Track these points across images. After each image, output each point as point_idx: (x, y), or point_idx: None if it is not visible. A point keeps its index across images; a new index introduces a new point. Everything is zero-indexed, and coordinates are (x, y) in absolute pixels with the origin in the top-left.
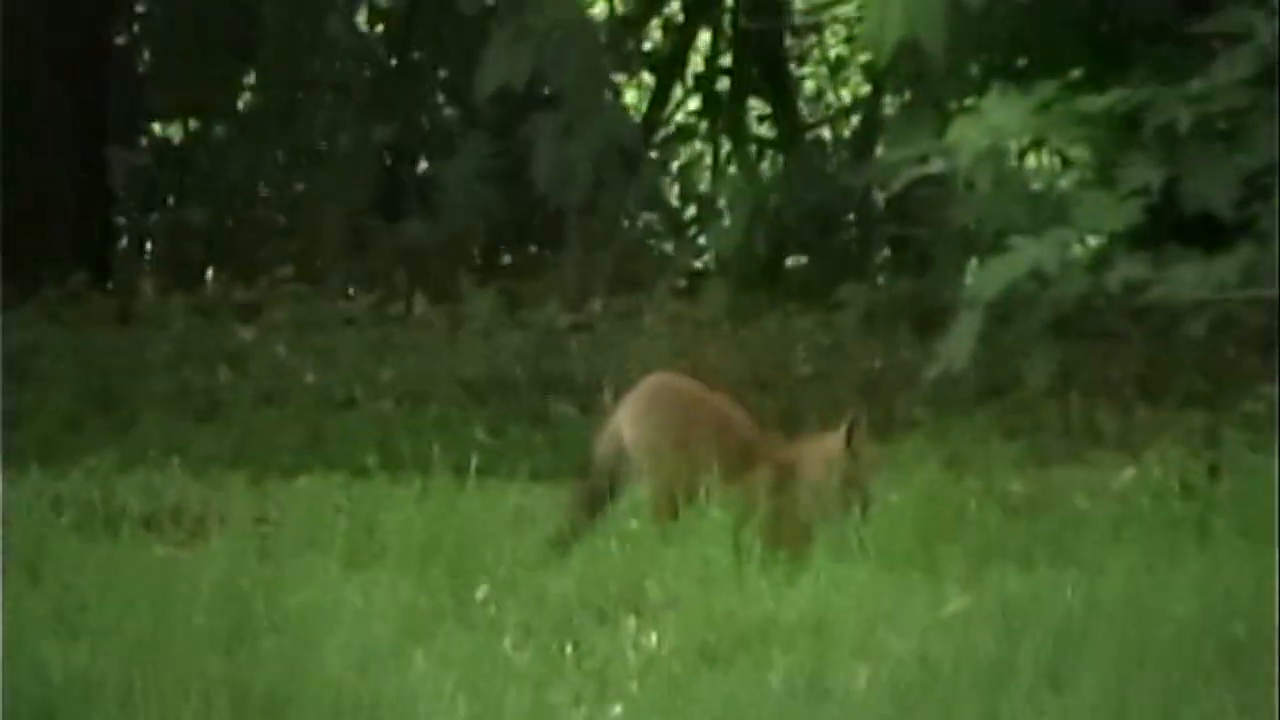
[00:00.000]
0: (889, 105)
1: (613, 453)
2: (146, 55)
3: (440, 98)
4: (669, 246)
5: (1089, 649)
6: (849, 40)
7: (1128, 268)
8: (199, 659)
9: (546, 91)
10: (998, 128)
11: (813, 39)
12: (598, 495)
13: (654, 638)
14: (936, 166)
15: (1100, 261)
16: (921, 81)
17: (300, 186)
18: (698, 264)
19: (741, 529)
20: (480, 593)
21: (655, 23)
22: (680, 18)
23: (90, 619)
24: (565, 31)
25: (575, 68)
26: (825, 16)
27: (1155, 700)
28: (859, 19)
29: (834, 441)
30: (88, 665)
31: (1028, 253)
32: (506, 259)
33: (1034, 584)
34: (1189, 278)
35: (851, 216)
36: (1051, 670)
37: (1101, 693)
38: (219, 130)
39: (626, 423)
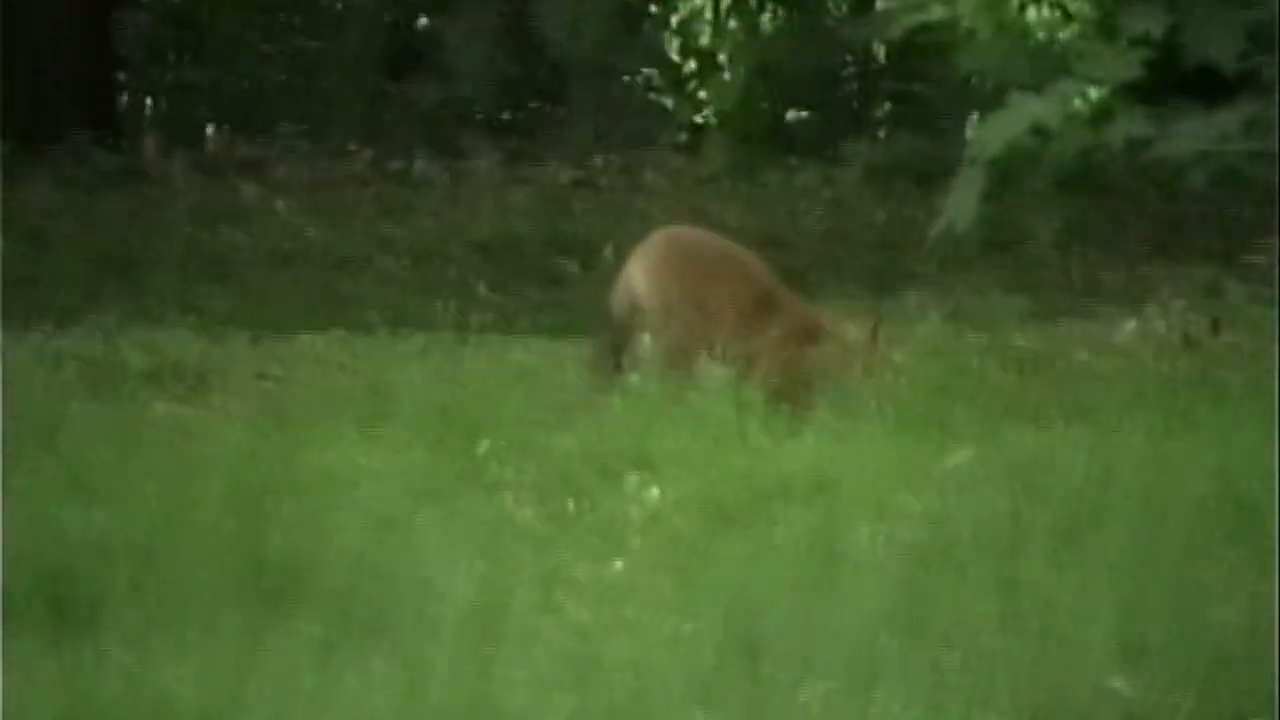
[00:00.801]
0: None
1: (627, 306)
2: None
3: None
4: (669, 101)
5: (1105, 507)
6: None
7: (1129, 122)
8: (216, 522)
9: None
10: None
11: None
12: (618, 349)
13: (657, 494)
14: (936, 14)
15: (1102, 115)
16: None
17: (303, 44)
18: (698, 119)
19: (748, 382)
20: (485, 450)
21: None
22: None
23: (105, 482)
24: None
25: None
26: None
27: (1173, 559)
28: None
29: (855, 343)
30: (105, 529)
31: (1029, 108)
32: (508, 115)
33: (1044, 441)
34: (1190, 131)
35: (853, 71)
36: (1068, 529)
37: (1118, 551)
38: None
39: (638, 275)
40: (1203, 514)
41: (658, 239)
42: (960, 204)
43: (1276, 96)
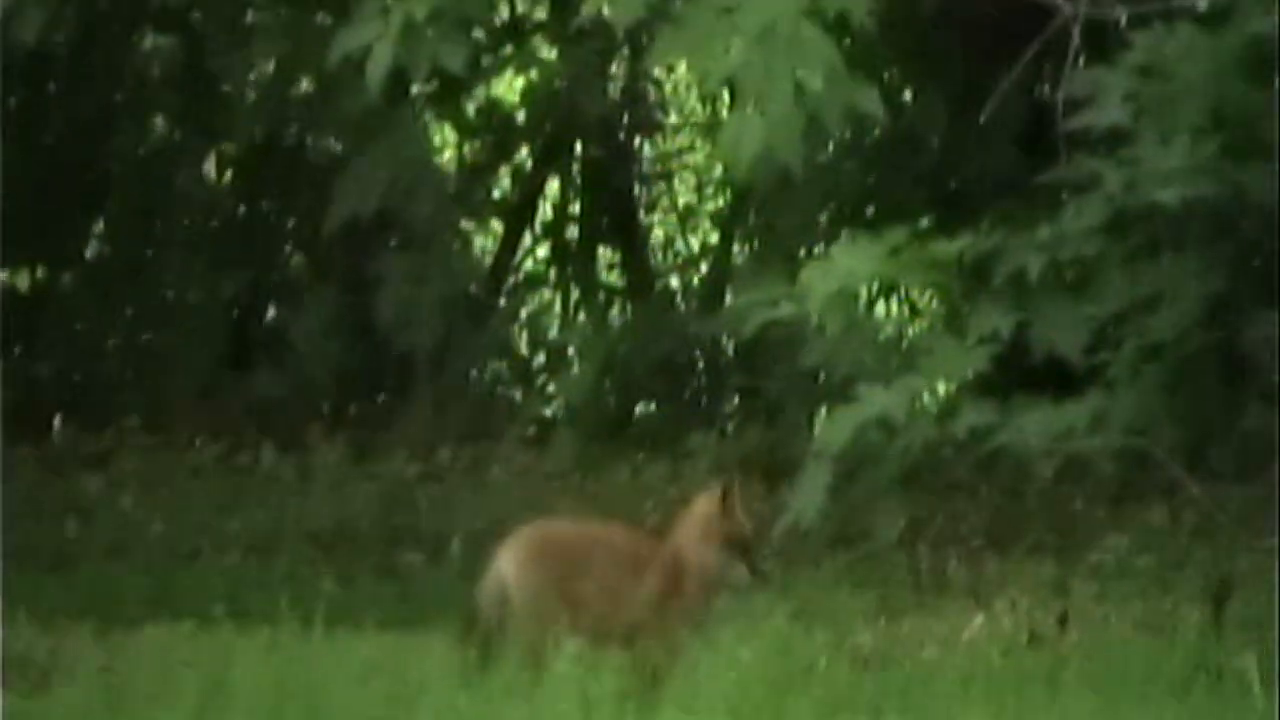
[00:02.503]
0: (738, 255)
1: (497, 599)
2: None
3: (289, 248)
4: (518, 395)
5: None
6: (698, 189)
7: (975, 414)
8: None
9: (394, 243)
10: (848, 273)
11: (662, 187)
12: (488, 642)
13: None
14: (786, 310)
15: (948, 410)
16: (771, 230)
17: (148, 337)
18: (547, 413)
19: (592, 681)
20: None
21: (504, 170)
22: (529, 165)
23: None
24: (413, 175)
25: (423, 213)
26: (674, 165)
27: None
28: (708, 168)
29: (708, 503)
30: None
31: (875, 401)
32: (355, 409)
33: None
34: (1037, 423)
35: (701, 366)
36: None
37: None
38: (67, 280)
39: (508, 566)
40: None
41: (528, 531)
42: (807, 497)
43: (1122, 394)
